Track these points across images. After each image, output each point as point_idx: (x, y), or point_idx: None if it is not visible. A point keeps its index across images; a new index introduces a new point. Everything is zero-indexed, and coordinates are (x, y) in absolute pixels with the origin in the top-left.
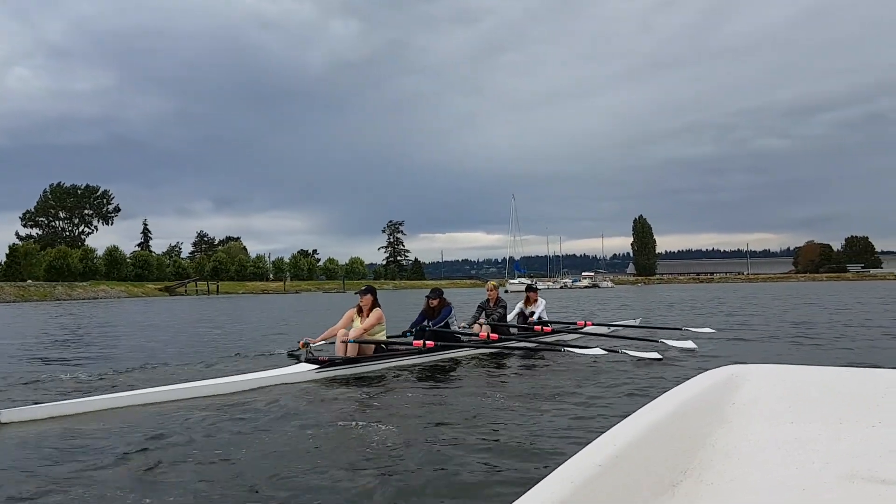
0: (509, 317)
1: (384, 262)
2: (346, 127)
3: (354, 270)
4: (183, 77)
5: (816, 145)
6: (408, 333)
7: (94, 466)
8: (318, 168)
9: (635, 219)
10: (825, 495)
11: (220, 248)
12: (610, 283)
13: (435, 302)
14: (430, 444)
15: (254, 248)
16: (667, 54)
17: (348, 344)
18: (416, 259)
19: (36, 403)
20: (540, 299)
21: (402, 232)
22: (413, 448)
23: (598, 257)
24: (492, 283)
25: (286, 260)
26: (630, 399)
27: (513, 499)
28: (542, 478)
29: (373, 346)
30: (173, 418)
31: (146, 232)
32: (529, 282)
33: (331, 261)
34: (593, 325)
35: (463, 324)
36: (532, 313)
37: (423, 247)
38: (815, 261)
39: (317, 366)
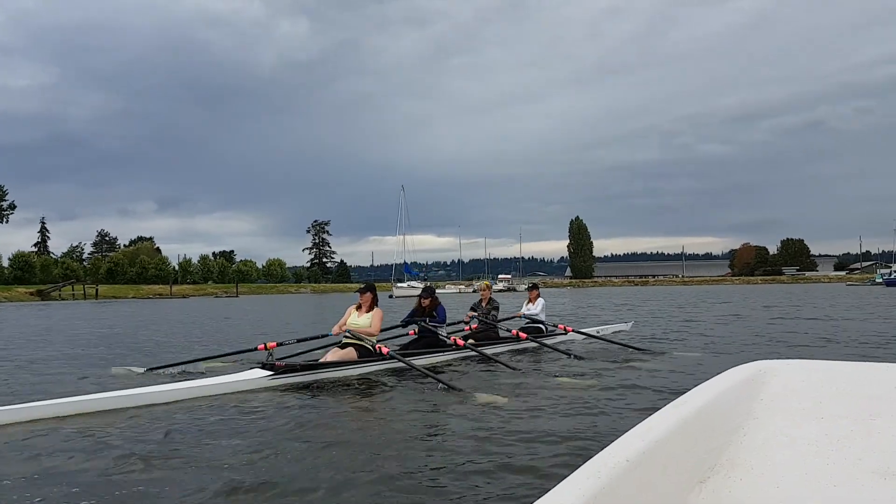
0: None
1: (308, 265)
2: (295, 127)
3: (272, 273)
4: (126, 74)
5: (758, 151)
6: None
7: (21, 480)
8: (266, 168)
9: (571, 220)
10: (857, 492)
11: (127, 248)
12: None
13: (427, 301)
14: (406, 457)
15: (199, 251)
16: (614, 61)
17: (343, 337)
18: (341, 261)
19: None
20: (540, 299)
21: (327, 232)
22: (384, 461)
23: (546, 260)
24: (485, 283)
25: (194, 261)
26: (605, 410)
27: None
28: (563, 477)
29: (361, 349)
30: (101, 431)
31: (43, 231)
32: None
33: (244, 262)
34: (574, 331)
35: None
36: (529, 311)
37: (373, 249)
38: (750, 263)
39: (271, 372)
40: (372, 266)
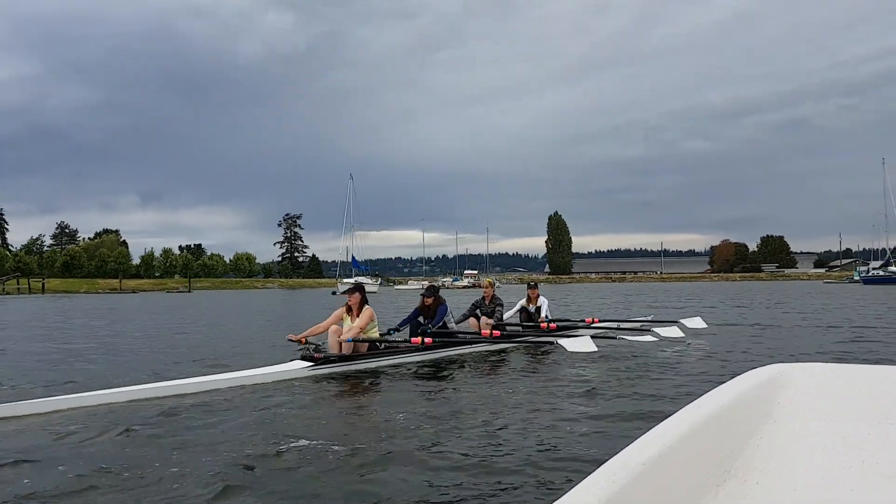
0: (508, 314)
1: (279, 259)
2: (281, 120)
3: (240, 267)
4: (108, 65)
5: (742, 148)
6: (392, 331)
7: (79, 464)
8: (251, 162)
9: (550, 216)
10: (873, 496)
11: (91, 241)
12: (497, 283)
13: (430, 300)
14: (441, 445)
15: (181, 245)
16: (599, 56)
17: (343, 343)
18: (313, 256)
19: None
20: (542, 298)
21: (299, 226)
22: (421, 448)
23: (529, 256)
24: (487, 280)
25: (157, 255)
26: (641, 396)
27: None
28: (579, 480)
29: (367, 344)
30: (159, 415)
31: (1, 223)
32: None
33: (212, 257)
34: (601, 321)
35: (460, 321)
36: (538, 310)
37: (357, 244)
38: (730, 260)
39: (311, 363)
40: (354, 261)
